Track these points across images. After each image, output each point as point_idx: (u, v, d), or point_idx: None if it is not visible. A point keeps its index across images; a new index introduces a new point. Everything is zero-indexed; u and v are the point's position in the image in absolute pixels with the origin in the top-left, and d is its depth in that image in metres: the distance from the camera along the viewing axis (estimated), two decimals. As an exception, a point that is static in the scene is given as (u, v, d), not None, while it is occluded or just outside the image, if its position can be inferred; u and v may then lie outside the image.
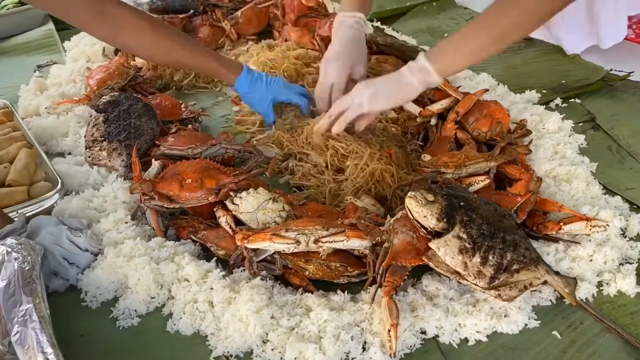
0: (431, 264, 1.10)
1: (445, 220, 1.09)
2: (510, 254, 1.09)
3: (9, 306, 0.96)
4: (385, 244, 1.13)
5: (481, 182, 1.31)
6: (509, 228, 1.13)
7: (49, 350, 0.89)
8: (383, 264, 1.10)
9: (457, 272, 1.08)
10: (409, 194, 1.13)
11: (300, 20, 2.32)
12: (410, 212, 1.12)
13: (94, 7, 1.37)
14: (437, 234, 1.10)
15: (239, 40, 2.31)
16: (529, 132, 1.58)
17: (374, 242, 1.15)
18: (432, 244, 1.09)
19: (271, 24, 2.40)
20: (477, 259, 1.07)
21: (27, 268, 1.01)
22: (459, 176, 1.35)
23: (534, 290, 1.13)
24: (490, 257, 1.07)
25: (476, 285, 1.08)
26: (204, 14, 2.40)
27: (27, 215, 1.32)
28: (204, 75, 1.99)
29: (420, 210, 1.10)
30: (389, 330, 1.01)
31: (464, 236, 1.08)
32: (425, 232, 1.11)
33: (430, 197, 1.11)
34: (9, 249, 1.04)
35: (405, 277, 1.10)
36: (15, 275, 0.99)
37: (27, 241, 1.09)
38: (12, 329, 0.92)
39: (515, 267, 1.08)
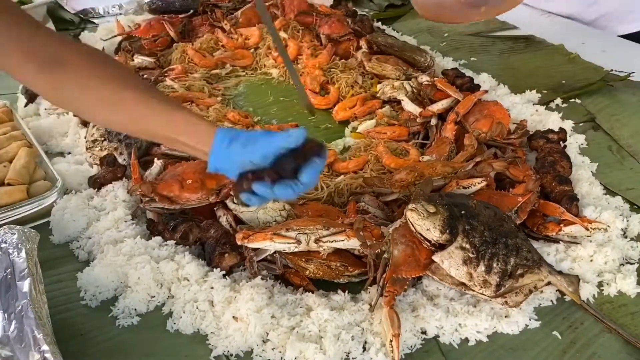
0: (436, 278, 1.09)
1: (448, 231, 1.08)
2: (514, 259, 1.08)
3: (7, 300, 0.94)
4: (385, 255, 1.12)
5: (478, 184, 1.29)
6: (510, 232, 1.12)
7: (45, 347, 0.88)
8: (384, 276, 1.08)
9: (463, 284, 1.07)
10: (410, 206, 1.12)
11: (299, 18, 2.32)
12: (413, 226, 1.11)
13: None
14: (441, 246, 1.09)
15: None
16: (528, 133, 1.57)
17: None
18: (436, 257, 1.07)
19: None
20: (481, 267, 1.06)
21: (21, 260, 0.98)
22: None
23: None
24: (495, 265, 1.06)
25: (483, 294, 1.07)
26: (203, 14, 2.40)
27: (27, 214, 1.32)
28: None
29: (423, 223, 1.09)
30: (391, 341, 0.99)
31: (467, 246, 1.07)
32: (428, 244, 1.11)
33: (432, 209, 1.10)
34: (2, 240, 1.02)
35: (406, 287, 1.09)
36: (10, 268, 0.97)
37: (21, 229, 1.05)
38: (11, 325, 0.91)
39: (519, 271, 1.08)
